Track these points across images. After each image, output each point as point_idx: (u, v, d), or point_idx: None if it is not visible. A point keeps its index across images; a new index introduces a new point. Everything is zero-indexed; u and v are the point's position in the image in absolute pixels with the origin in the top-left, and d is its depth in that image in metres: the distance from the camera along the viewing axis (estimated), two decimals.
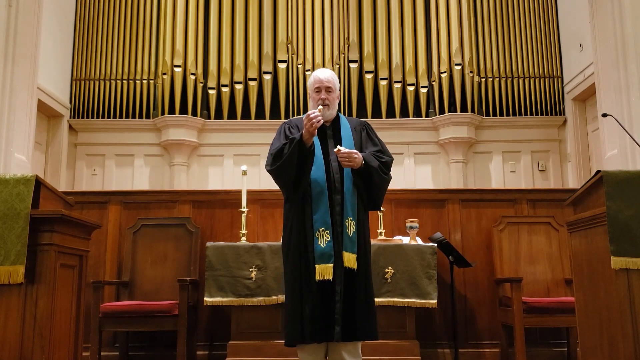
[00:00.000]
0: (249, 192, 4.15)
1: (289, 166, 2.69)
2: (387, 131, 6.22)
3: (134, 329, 3.93)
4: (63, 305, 2.65)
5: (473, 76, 6.73)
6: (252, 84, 6.75)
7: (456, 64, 6.68)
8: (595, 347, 2.58)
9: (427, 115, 6.76)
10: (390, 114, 6.75)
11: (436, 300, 3.79)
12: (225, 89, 6.76)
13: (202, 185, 6.68)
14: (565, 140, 6.74)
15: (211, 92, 6.79)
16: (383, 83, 6.75)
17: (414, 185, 6.55)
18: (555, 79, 6.81)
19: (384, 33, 6.89)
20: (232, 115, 6.77)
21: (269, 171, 2.80)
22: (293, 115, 6.60)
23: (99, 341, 3.78)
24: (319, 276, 2.65)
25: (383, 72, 6.78)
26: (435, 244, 3.96)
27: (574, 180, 6.46)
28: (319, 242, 2.69)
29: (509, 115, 6.74)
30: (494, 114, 6.76)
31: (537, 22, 6.94)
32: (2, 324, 2.44)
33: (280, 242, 3.40)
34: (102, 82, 6.79)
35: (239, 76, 6.77)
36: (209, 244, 3.93)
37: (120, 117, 6.74)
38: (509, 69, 6.83)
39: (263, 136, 6.32)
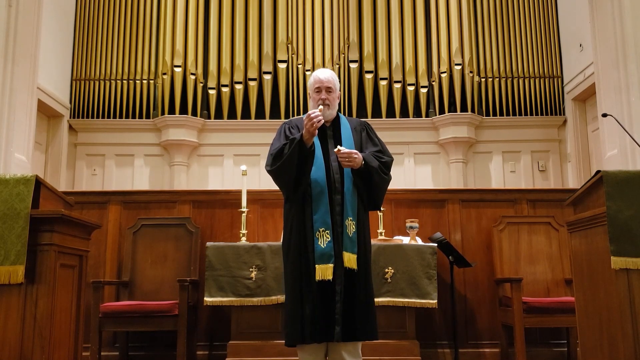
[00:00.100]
0: (249, 192, 4.15)
1: (289, 166, 2.69)
2: (387, 131, 6.22)
3: (134, 329, 3.93)
4: (63, 305, 2.65)
5: (473, 76, 6.73)
6: (252, 84, 6.75)
7: (456, 64, 6.68)
8: (595, 347, 2.58)
9: (427, 115, 6.77)
10: (390, 114, 6.75)
11: (436, 300, 3.79)
12: (225, 89, 6.76)
13: (202, 185, 6.68)
14: (565, 140, 6.74)
15: (211, 92, 6.79)
16: (383, 83, 6.75)
17: (414, 185, 6.55)
18: (555, 79, 6.81)
19: (384, 33, 6.89)
20: (232, 115, 6.77)
21: (269, 171, 2.80)
22: (293, 115, 6.60)
23: (99, 341, 3.78)
24: (319, 276, 2.65)
25: (383, 72, 6.78)
26: (435, 244, 3.96)
27: (574, 180, 6.46)
28: (319, 242, 2.69)
29: (509, 115, 6.74)
30: (494, 114, 6.76)
31: (537, 22, 6.94)
32: (2, 324, 2.44)
33: (280, 242, 3.41)
34: (102, 82, 6.79)
35: (239, 76, 6.77)
36: (209, 244, 3.93)
37: (120, 117, 6.74)
38: (509, 69, 6.83)
39: (263, 136, 6.33)
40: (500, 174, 6.73)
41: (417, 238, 4.09)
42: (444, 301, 4.10)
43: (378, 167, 2.80)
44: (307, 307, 2.66)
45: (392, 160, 2.93)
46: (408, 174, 6.69)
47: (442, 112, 6.68)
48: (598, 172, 2.49)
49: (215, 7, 6.96)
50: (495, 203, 4.46)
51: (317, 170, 2.75)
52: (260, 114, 6.75)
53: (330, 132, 2.91)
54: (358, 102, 6.72)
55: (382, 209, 3.81)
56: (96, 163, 6.74)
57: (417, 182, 6.64)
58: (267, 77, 6.76)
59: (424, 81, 6.78)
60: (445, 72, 6.68)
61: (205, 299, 3.81)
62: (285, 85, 6.73)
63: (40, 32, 5.26)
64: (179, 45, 6.70)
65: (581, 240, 2.71)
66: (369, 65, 6.78)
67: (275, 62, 6.83)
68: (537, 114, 6.75)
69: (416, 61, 6.85)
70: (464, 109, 6.63)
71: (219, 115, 6.79)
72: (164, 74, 6.65)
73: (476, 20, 6.94)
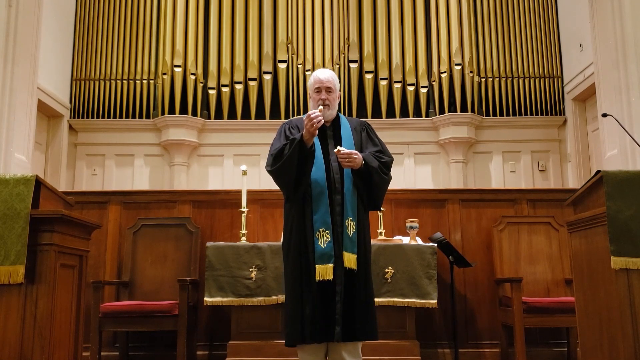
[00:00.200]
0: (249, 192, 4.15)
1: (289, 167, 2.69)
2: (387, 131, 6.21)
3: (134, 329, 3.93)
4: (63, 305, 2.65)
5: (473, 76, 6.73)
6: (252, 84, 6.75)
7: (456, 64, 6.68)
8: (595, 347, 2.58)
9: (427, 115, 6.77)
10: (390, 114, 6.76)
11: (436, 300, 3.79)
12: (225, 89, 6.76)
13: (202, 185, 6.68)
14: (565, 140, 6.74)
15: (211, 92, 6.79)
16: (383, 83, 6.75)
17: (414, 185, 6.55)
18: (555, 79, 6.81)
19: (384, 33, 6.89)
20: (232, 115, 6.77)
21: (269, 172, 2.80)
22: (293, 115, 6.60)
23: (99, 341, 3.78)
24: (319, 276, 2.65)
25: (383, 72, 6.78)
26: (435, 244, 3.96)
27: (574, 180, 6.46)
28: (319, 243, 2.69)
29: (509, 115, 6.74)
30: (494, 114, 6.76)
31: (537, 22, 6.94)
32: (2, 324, 2.44)
33: (280, 242, 3.41)
34: (102, 82, 6.79)
35: (239, 76, 6.77)
36: (209, 244, 3.93)
37: (120, 117, 6.74)
38: (509, 69, 6.83)
39: (263, 136, 6.33)
40: (500, 174, 6.73)
41: (417, 238, 4.09)
42: (444, 301, 4.10)
43: (378, 167, 2.80)
44: (307, 307, 2.66)
45: (392, 160, 2.93)
46: (408, 174, 6.69)
47: (442, 112, 6.68)
48: (598, 172, 2.49)
49: (215, 7, 6.96)
50: (495, 203, 4.46)
51: (317, 171, 2.75)
52: (260, 114, 6.75)
53: (330, 132, 2.91)
54: (358, 102, 6.72)
55: (382, 209, 3.80)
56: (96, 163, 6.74)
57: (417, 182, 6.64)
58: (267, 77, 6.76)
59: (424, 81, 6.78)
60: (445, 72, 6.68)
61: (205, 299, 3.81)
62: (285, 85, 6.73)
63: (40, 32, 5.26)
64: (179, 45, 6.70)
65: (581, 240, 2.71)
66: (369, 65, 6.78)
67: (275, 62, 6.83)
68: (537, 114, 6.75)
69: (416, 61, 6.85)
70: (464, 109, 6.63)
71: (219, 115, 6.80)
72: (164, 74, 6.65)
73: (476, 20, 6.94)
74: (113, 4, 6.97)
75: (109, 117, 6.74)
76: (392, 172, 2.93)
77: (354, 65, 6.76)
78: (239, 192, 4.19)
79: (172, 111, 6.61)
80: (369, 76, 6.75)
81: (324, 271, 2.66)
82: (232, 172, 6.67)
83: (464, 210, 4.45)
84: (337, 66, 6.71)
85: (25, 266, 2.42)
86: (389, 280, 3.82)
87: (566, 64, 6.75)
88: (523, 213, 4.42)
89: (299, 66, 6.72)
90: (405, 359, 3.72)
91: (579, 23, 6.24)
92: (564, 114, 6.74)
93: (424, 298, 3.79)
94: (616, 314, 2.36)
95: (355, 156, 2.72)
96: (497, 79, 6.80)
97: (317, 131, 2.68)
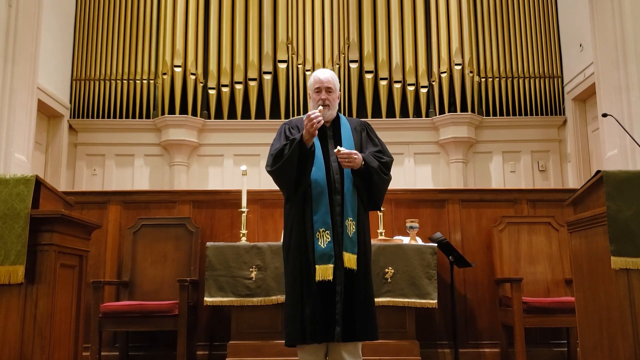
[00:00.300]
0: (249, 192, 4.15)
1: (289, 167, 2.69)
2: (387, 131, 6.21)
3: (134, 329, 3.93)
4: (63, 305, 2.65)
5: (473, 76, 6.73)
6: (252, 84, 6.75)
7: (456, 64, 6.68)
8: (595, 347, 2.58)
9: (427, 115, 6.77)
10: (390, 114, 6.76)
11: (436, 300, 3.79)
12: (225, 89, 6.76)
13: (202, 185, 6.68)
14: (565, 140, 6.74)
15: (211, 92, 6.79)
16: (383, 83, 6.75)
17: (414, 185, 6.55)
18: (555, 79, 6.81)
19: (384, 33, 6.89)
20: (232, 115, 6.77)
21: (269, 172, 2.80)
22: (293, 115, 6.61)
23: (99, 341, 3.78)
24: (319, 276, 2.65)
25: (383, 72, 6.78)
26: (435, 244, 3.96)
27: (574, 180, 6.46)
28: (319, 243, 2.69)
29: (509, 115, 6.74)
30: (494, 114, 6.76)
31: (537, 22, 6.94)
32: (2, 324, 2.44)
33: (280, 242, 3.41)
34: (102, 82, 6.79)
35: (239, 76, 6.77)
36: (209, 244, 3.93)
37: (120, 117, 6.74)
38: (509, 69, 6.83)
39: (263, 136, 6.33)
40: (500, 174, 6.73)
41: (417, 238, 4.09)
42: (444, 301, 4.10)
43: (378, 168, 2.80)
44: (307, 307, 2.66)
45: (392, 160, 2.93)
46: (408, 174, 6.69)
47: (442, 112, 6.68)
48: (598, 172, 2.49)
49: (215, 7, 6.96)
50: (495, 203, 4.46)
51: (317, 171, 2.75)
52: (260, 114, 6.75)
53: (330, 132, 2.90)
54: (358, 102, 6.72)
55: (382, 209, 3.81)
56: (96, 163, 6.74)
57: (417, 182, 6.64)
58: (267, 77, 6.76)
59: (424, 81, 6.78)
60: (445, 72, 6.68)
61: (205, 299, 3.81)
62: (285, 85, 6.73)
63: (40, 32, 5.26)
64: (179, 45, 6.70)
65: (581, 240, 2.71)
66: (369, 65, 6.78)
67: (275, 62, 6.83)
68: (537, 114, 6.75)
69: (416, 61, 6.85)
70: (464, 109, 6.63)
71: (219, 115, 6.80)
72: (164, 74, 6.65)
73: (476, 20, 6.94)
74: (113, 4, 6.97)
75: (109, 117, 6.74)
76: (392, 172, 2.93)
77: (354, 65, 6.76)
78: (239, 192, 4.19)
79: (172, 111, 6.61)
80: (369, 76, 6.75)
81: (324, 271, 2.66)
82: (232, 172, 6.67)
83: (464, 210, 4.45)
84: (337, 66, 6.71)
85: (25, 266, 2.42)
86: (389, 280, 3.82)
87: (566, 64, 6.75)
88: (523, 213, 4.42)
89: (299, 66, 6.72)
90: (405, 359, 3.72)
91: (579, 23, 6.24)
92: (564, 114, 6.74)
93: (424, 298, 3.79)
94: (616, 314, 2.36)
95: (355, 156, 2.72)
96: (497, 79, 6.80)
97: (317, 131, 2.67)
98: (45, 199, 2.61)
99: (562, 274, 4.18)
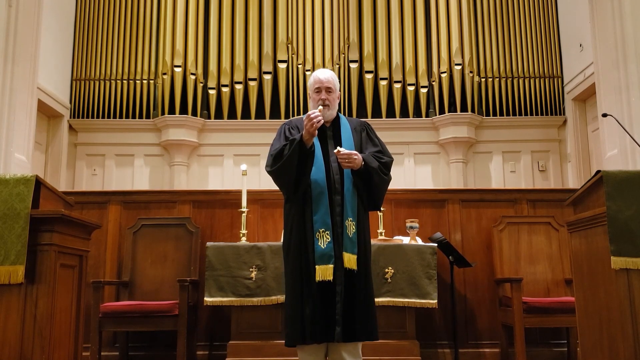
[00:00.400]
0: (249, 192, 4.15)
1: (289, 167, 2.69)
2: (387, 131, 6.22)
3: (134, 329, 3.93)
4: (63, 305, 2.65)
5: (473, 76, 6.73)
6: (252, 84, 6.75)
7: (456, 64, 6.68)
8: (595, 347, 2.58)
9: (427, 115, 6.77)
10: (390, 114, 6.76)
11: (436, 300, 3.79)
12: (225, 89, 6.76)
13: (202, 185, 6.68)
14: (565, 140, 6.74)
15: (211, 92, 6.79)
16: (383, 83, 6.75)
17: (414, 185, 6.55)
18: (555, 79, 6.81)
19: (384, 33, 6.89)
20: (232, 115, 6.77)
21: (269, 172, 2.80)
22: (293, 115, 6.61)
23: (99, 341, 3.78)
24: (319, 277, 2.65)
25: (383, 72, 6.78)
26: (435, 244, 3.96)
27: (574, 180, 6.46)
28: (319, 243, 2.69)
29: (509, 115, 6.74)
30: (494, 114, 6.76)
31: (537, 22, 6.94)
32: (2, 324, 2.44)
33: (280, 242, 3.40)
34: (102, 82, 6.79)
35: (239, 76, 6.77)
36: (209, 244, 3.93)
37: (120, 117, 6.74)
38: (509, 69, 6.83)
39: (263, 136, 6.33)
40: (500, 174, 6.73)
41: (417, 238, 4.09)
42: (444, 301, 4.10)
43: (378, 168, 2.80)
44: (307, 307, 2.66)
45: (392, 160, 2.93)
46: (408, 174, 6.69)
47: (442, 112, 6.68)
48: (598, 172, 2.49)
49: (215, 7, 6.96)
50: (495, 203, 4.46)
51: (317, 171, 2.75)
52: (260, 114, 6.75)
53: (330, 132, 2.90)
54: (358, 102, 6.72)
55: (382, 209, 3.81)
56: (96, 163, 6.74)
57: (417, 182, 6.64)
58: (267, 77, 6.76)
59: (424, 81, 6.78)
60: (445, 72, 6.68)
61: (205, 299, 3.81)
62: (285, 85, 6.73)
63: (40, 32, 5.26)
64: (179, 45, 6.70)
65: (581, 240, 2.71)
66: (369, 65, 6.78)
67: (275, 62, 6.83)
68: (537, 114, 6.75)
69: (416, 61, 6.85)
70: (464, 109, 6.63)
71: (219, 115, 6.80)
72: (164, 74, 6.65)
73: (476, 20, 6.94)
74: (113, 4, 6.97)
75: (109, 117, 6.74)
76: (392, 172, 2.93)
77: (354, 65, 6.76)
78: (239, 192, 4.19)
79: (172, 111, 6.61)
80: (369, 76, 6.75)
81: (324, 272, 2.66)
82: (232, 172, 6.67)
83: (464, 210, 4.45)
84: (337, 66, 6.71)
85: (25, 266, 2.42)
86: (389, 280, 3.82)
87: (566, 64, 6.75)
88: (523, 213, 4.42)
89: (299, 66, 6.72)
90: (405, 359, 3.72)
91: (579, 23, 6.24)
92: (564, 114, 6.74)
93: (424, 298, 3.79)
94: (616, 314, 2.36)
95: (355, 157, 2.72)
96: (497, 79, 6.80)
97: (316, 131, 2.67)
98: (45, 199, 2.61)
99: (562, 274, 4.18)
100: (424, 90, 6.77)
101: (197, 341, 4.15)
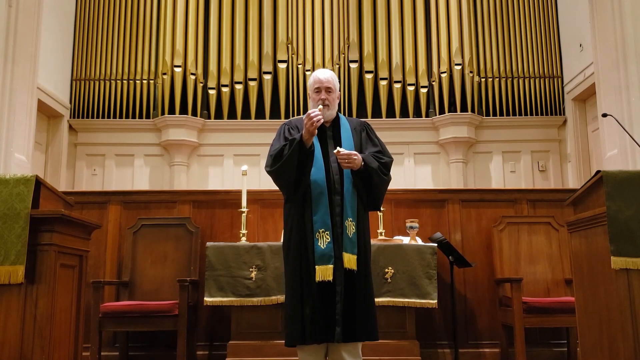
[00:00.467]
0: (249, 192, 4.15)
1: (288, 167, 2.69)
2: (387, 131, 6.22)
3: (134, 329, 3.93)
4: (63, 305, 2.65)
5: (473, 76, 6.73)
6: (252, 84, 6.75)
7: (456, 64, 6.68)
8: (595, 347, 2.58)
9: (427, 115, 6.77)
10: (390, 114, 6.76)
11: (436, 300, 3.79)
12: (225, 89, 6.76)
13: (202, 185, 6.68)
14: (565, 140, 6.74)
15: (211, 92, 6.79)
16: (383, 83, 6.75)
17: (414, 185, 6.55)
18: (555, 79, 6.81)
19: (384, 33, 6.89)
20: (232, 115, 6.77)
21: (268, 172, 2.80)
22: (293, 115, 6.61)
23: (99, 341, 3.78)
24: (319, 277, 2.65)
25: (383, 72, 6.78)
26: (435, 244, 3.96)
27: (574, 180, 6.46)
28: (319, 243, 2.69)
29: (509, 115, 6.74)
30: (494, 114, 6.76)
31: (537, 22, 6.94)
32: (2, 324, 2.44)
33: (280, 242, 3.40)
34: (102, 82, 6.79)
35: (239, 76, 6.77)
36: (209, 244, 3.93)
37: (120, 117, 6.74)
38: (509, 69, 6.83)
39: (263, 136, 6.33)
40: (500, 174, 6.73)
41: (417, 238, 4.09)
42: (444, 301, 4.10)
43: (378, 168, 2.80)
44: (307, 307, 2.66)
45: (392, 160, 2.93)
46: (408, 174, 6.69)
47: (442, 112, 6.68)
48: (598, 172, 2.49)
49: (215, 7, 6.96)
50: (495, 203, 4.46)
51: (317, 171, 2.75)
52: (260, 114, 6.75)
53: (330, 132, 2.90)
54: (358, 102, 6.72)
55: (382, 209, 3.81)
56: (96, 163, 6.74)
57: (417, 182, 6.64)
58: (267, 77, 6.76)
59: (424, 81, 6.78)
60: (445, 72, 6.68)
61: (205, 299, 3.81)
62: (285, 85, 6.73)
63: (40, 32, 5.26)
64: (179, 45, 6.70)
65: (581, 240, 2.71)
66: (369, 65, 6.78)
67: (275, 62, 6.83)
68: (537, 114, 6.75)
69: (416, 61, 6.85)
70: (464, 109, 6.63)
71: (219, 115, 6.80)
72: (164, 74, 6.65)
73: (476, 20, 6.94)
74: (113, 4, 6.97)
75: (109, 117, 6.74)
76: (392, 172, 2.93)
77: (354, 65, 6.76)
78: (239, 192, 4.19)
79: (172, 111, 6.61)
80: (369, 76, 6.75)
81: (324, 272, 2.66)
82: (232, 172, 6.67)
83: (464, 210, 4.45)
84: (337, 66, 6.71)
85: (25, 266, 2.42)
86: (389, 280, 3.82)
87: (566, 64, 6.75)
88: (523, 213, 4.42)
89: (299, 66, 6.72)
90: (405, 359, 3.72)
91: (579, 23, 6.24)
92: (564, 114, 6.74)
93: (424, 298, 3.79)
94: (616, 314, 2.36)
95: (355, 157, 2.72)
96: (497, 79, 6.80)
97: (316, 131, 2.67)
98: (45, 199, 2.61)
99: (562, 274, 4.18)
100: (424, 90, 6.77)
101: (197, 341, 4.15)
